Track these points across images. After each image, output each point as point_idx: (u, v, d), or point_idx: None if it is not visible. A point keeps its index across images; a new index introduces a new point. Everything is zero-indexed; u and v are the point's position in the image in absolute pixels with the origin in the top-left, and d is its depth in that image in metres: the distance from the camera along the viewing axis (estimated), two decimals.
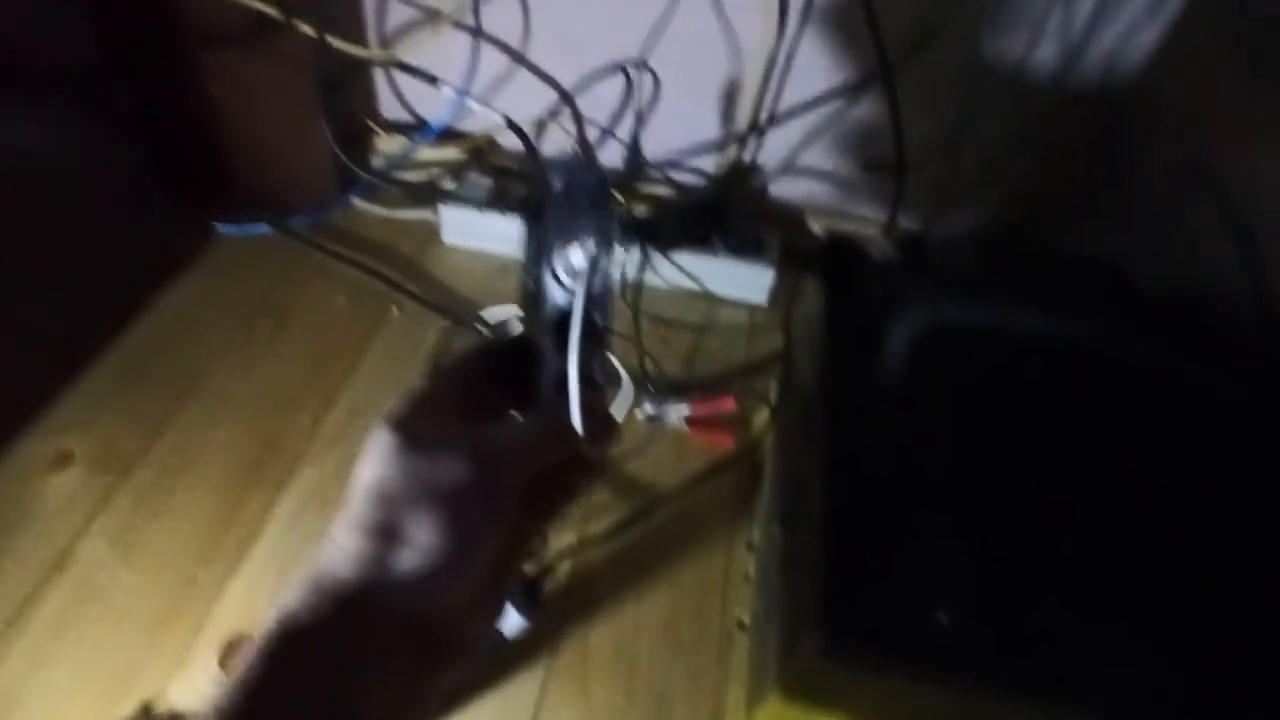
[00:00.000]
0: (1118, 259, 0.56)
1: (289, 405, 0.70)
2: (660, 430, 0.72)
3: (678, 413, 0.72)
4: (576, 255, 0.30)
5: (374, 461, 0.26)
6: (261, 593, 0.58)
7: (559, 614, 0.60)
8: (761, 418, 0.73)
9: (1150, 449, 0.44)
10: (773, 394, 0.73)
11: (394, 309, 0.80)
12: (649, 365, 0.76)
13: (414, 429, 0.27)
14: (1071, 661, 0.36)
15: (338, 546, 0.26)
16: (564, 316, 0.31)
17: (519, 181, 0.90)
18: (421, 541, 0.25)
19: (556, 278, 0.31)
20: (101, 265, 0.70)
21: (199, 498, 0.63)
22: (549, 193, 0.30)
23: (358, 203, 0.89)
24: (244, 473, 0.65)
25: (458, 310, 0.80)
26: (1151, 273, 0.54)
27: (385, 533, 0.25)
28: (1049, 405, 0.44)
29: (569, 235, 0.30)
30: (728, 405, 0.72)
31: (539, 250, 0.31)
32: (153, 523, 0.61)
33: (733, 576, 0.64)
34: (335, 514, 0.26)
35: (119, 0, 0.68)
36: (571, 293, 0.30)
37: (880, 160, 0.78)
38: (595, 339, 0.31)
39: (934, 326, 0.42)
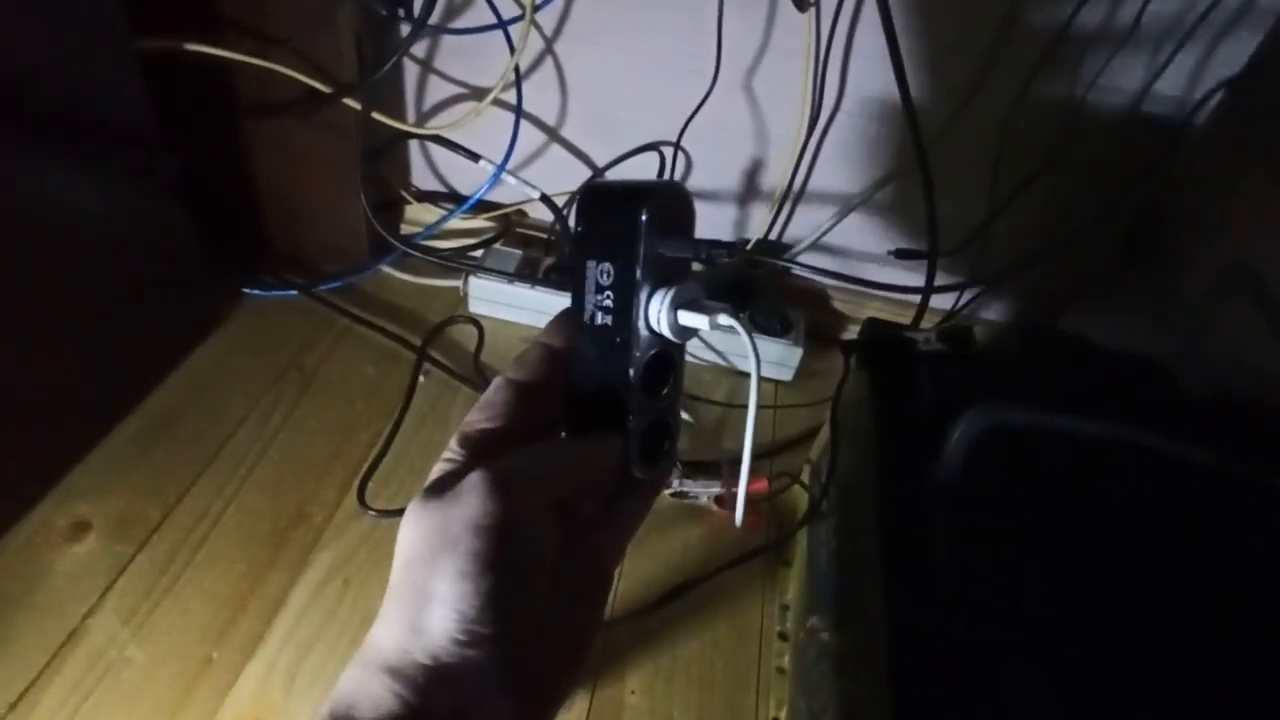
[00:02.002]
0: (1154, 355, 0.56)
1: (313, 475, 0.69)
2: (689, 509, 0.71)
3: (708, 492, 0.71)
4: (690, 315, 0.27)
5: (403, 524, 0.26)
6: (280, 674, 0.56)
7: (587, 707, 0.57)
8: (791, 499, 0.72)
9: (1220, 555, 0.43)
10: (804, 474, 0.72)
11: (421, 377, 0.80)
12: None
13: (437, 481, 0.26)
14: None
15: (380, 619, 0.25)
16: (654, 361, 0.29)
17: (545, 252, 0.91)
18: (445, 591, 0.24)
19: (647, 322, 0.28)
20: (130, 326, 0.70)
21: (218, 571, 0.61)
22: (629, 216, 0.27)
23: (387, 269, 0.90)
24: (265, 545, 0.63)
25: (484, 380, 0.80)
26: (1191, 372, 0.54)
27: (416, 595, 0.24)
28: (1110, 510, 0.43)
29: (671, 283, 0.27)
30: (759, 486, 0.71)
31: (624, 287, 0.27)
32: (169, 597, 0.59)
33: (766, 668, 0.62)
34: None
35: (179, 67, 0.69)
36: (662, 339, 0.28)
37: (911, 250, 0.79)
38: (677, 385, 0.31)
39: (993, 429, 0.42)
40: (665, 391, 0.31)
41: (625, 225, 0.27)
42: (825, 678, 0.47)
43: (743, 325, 0.29)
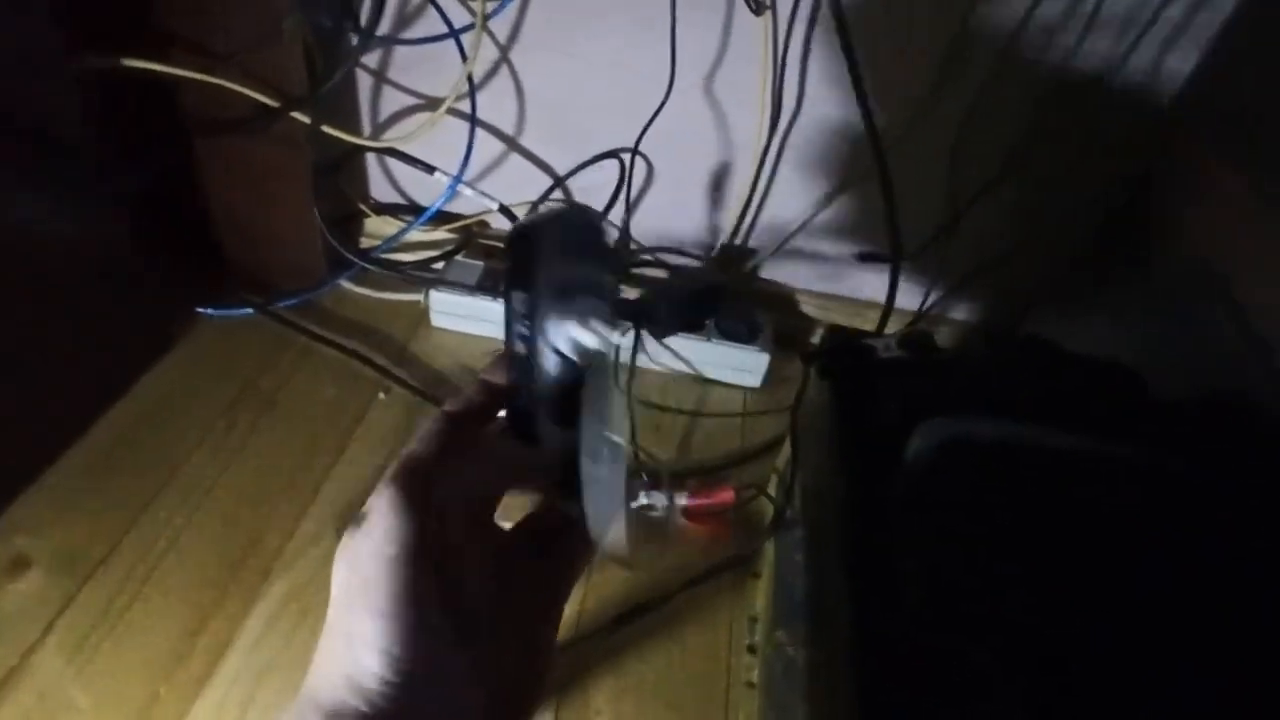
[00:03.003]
0: (1120, 359, 0.56)
1: (268, 500, 0.67)
2: (655, 521, 0.70)
3: (674, 503, 0.70)
4: (582, 332, 0.28)
5: (334, 560, 0.25)
6: (233, 708, 0.54)
7: None
8: (759, 510, 0.71)
9: (1185, 562, 0.42)
10: (771, 485, 0.71)
11: (381, 395, 0.78)
12: (642, 453, 0.74)
13: (359, 512, 0.25)
14: None
15: (315, 662, 0.24)
16: (564, 390, 0.28)
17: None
18: (368, 632, 0.23)
19: (555, 349, 0.28)
20: (77, 351, 0.68)
21: (167, 605, 0.59)
22: (537, 246, 0.28)
23: (346, 285, 0.88)
24: (217, 576, 0.61)
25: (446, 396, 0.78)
26: (1158, 374, 0.54)
27: (343, 637, 0.23)
28: (1078, 516, 0.42)
29: (568, 303, 0.28)
30: (725, 497, 0.70)
31: (531, 313, 0.28)
32: (114, 634, 0.57)
33: (734, 683, 0.60)
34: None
35: (123, 88, 0.67)
36: (571, 364, 0.28)
37: (874, 253, 0.78)
38: (597, 411, 0.29)
39: (957, 439, 0.41)
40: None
41: (527, 253, 0.27)
42: (793, 692, 0.46)
43: (636, 341, 0.29)
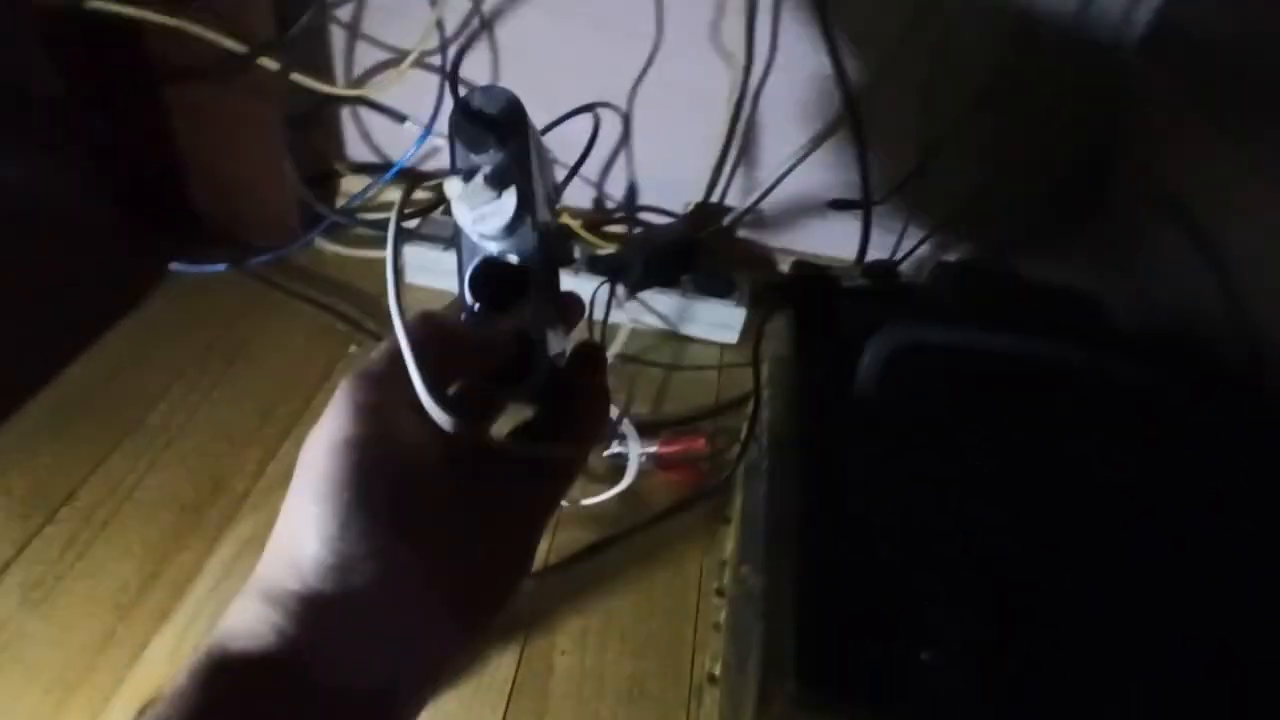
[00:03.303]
0: (1079, 287, 0.55)
1: (236, 445, 0.66)
2: (626, 469, 0.69)
3: (645, 451, 0.70)
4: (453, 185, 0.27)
5: None
6: (189, 646, 0.53)
7: (515, 666, 0.55)
8: (733, 458, 0.70)
9: (1136, 472, 0.42)
10: (742, 431, 0.70)
11: (352, 347, 0.78)
12: (616, 404, 0.73)
13: None
14: (1063, 705, 0.33)
15: (266, 548, 0.24)
16: (487, 268, 0.29)
17: None
18: (311, 514, 0.23)
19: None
20: (49, 298, 0.67)
21: (129, 544, 0.58)
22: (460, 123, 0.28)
23: (321, 242, 0.87)
24: (181, 517, 0.61)
25: None
26: (1127, 308, 0.54)
27: (290, 520, 0.23)
28: (1028, 429, 0.42)
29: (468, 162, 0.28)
30: (697, 445, 0.70)
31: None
32: (73, 571, 0.56)
33: (702, 625, 0.60)
34: None
35: (87, 35, 0.67)
36: (497, 245, 0.29)
37: (847, 200, 0.78)
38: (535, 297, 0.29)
39: (907, 347, 0.40)
40: (521, 303, 0.29)
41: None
42: (748, 622, 0.46)
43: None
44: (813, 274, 0.54)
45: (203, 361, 0.73)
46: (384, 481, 0.23)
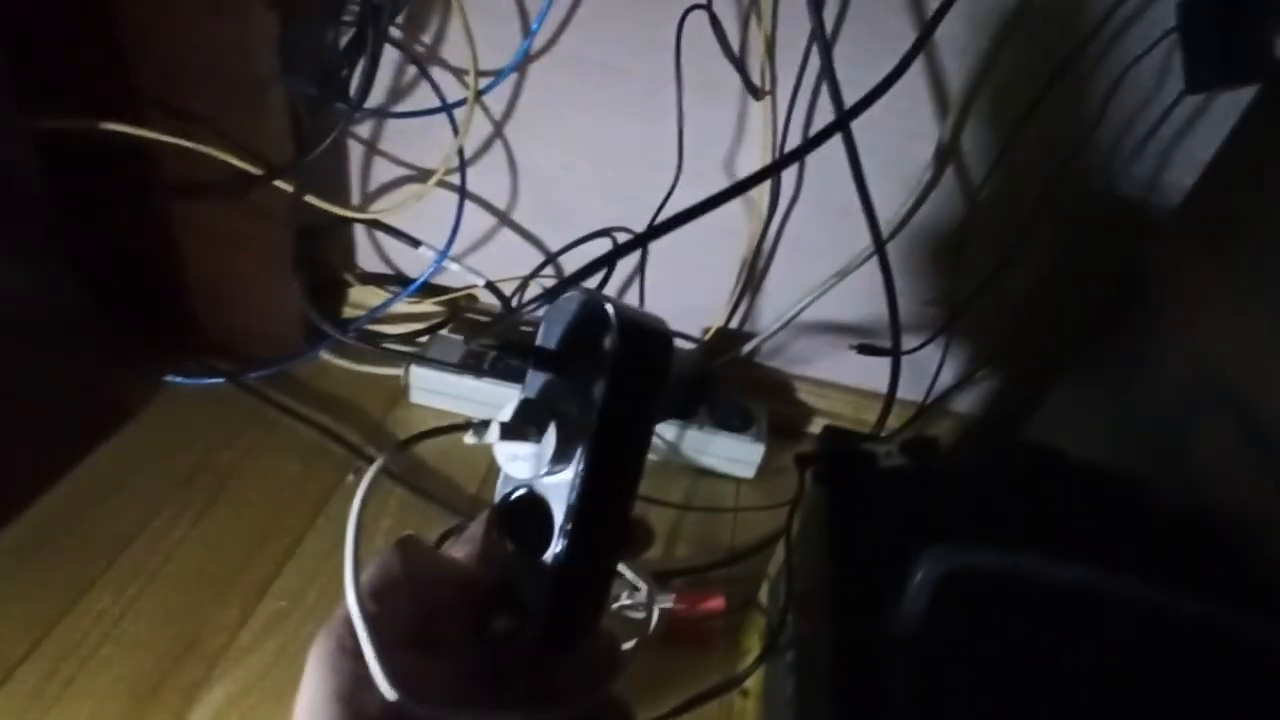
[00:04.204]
0: (1126, 469, 0.52)
1: (216, 592, 0.62)
2: (638, 626, 0.64)
3: (661, 607, 0.64)
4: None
5: None
6: None
7: None
8: (749, 623, 0.65)
9: (1207, 713, 0.37)
10: (762, 592, 0.66)
11: (350, 475, 0.73)
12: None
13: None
14: None
15: None
16: (519, 503, 0.27)
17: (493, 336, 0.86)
18: None
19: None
20: (19, 420, 0.64)
21: (89, 712, 0.53)
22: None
23: (325, 356, 0.84)
24: (150, 679, 0.56)
25: (419, 480, 0.73)
26: (1160, 479, 0.50)
27: None
28: (1090, 665, 0.38)
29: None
30: (715, 604, 0.65)
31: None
32: None
33: None
34: None
35: (93, 145, 0.65)
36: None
37: (873, 346, 0.75)
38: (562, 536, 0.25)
39: (958, 570, 0.37)
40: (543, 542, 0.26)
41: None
42: None
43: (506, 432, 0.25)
44: (844, 448, 0.50)
45: (185, 492, 0.69)
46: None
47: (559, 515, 0.25)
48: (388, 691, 0.22)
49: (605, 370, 0.24)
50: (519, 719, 0.25)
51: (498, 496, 0.29)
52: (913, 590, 0.37)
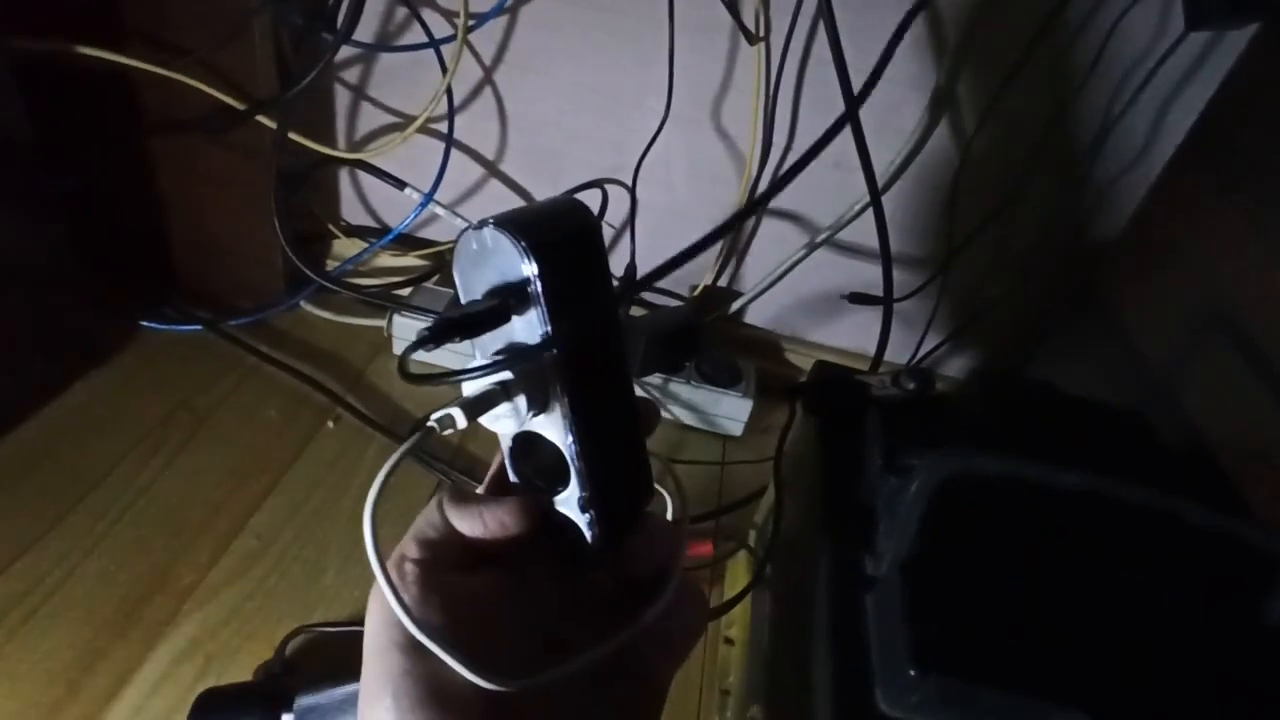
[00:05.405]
0: (1128, 404, 0.51)
1: (188, 529, 0.60)
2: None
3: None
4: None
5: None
6: None
7: None
8: (738, 568, 0.65)
9: (1202, 620, 0.37)
10: (750, 538, 0.65)
11: (329, 423, 0.72)
12: None
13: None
14: None
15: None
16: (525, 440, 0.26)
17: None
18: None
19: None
20: (6, 349, 0.62)
21: (56, 643, 0.51)
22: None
23: (306, 306, 0.83)
24: (118, 612, 0.54)
25: (400, 428, 0.72)
26: (1162, 416, 0.50)
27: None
28: (1086, 580, 0.37)
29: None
30: (704, 550, 0.64)
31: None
32: None
33: None
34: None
35: (70, 80, 0.63)
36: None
37: (865, 295, 0.74)
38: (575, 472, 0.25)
39: (956, 478, 0.36)
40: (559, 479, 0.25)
41: None
42: None
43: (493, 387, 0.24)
44: (837, 378, 0.49)
45: (162, 431, 0.67)
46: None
47: (565, 437, 0.24)
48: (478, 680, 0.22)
49: (535, 296, 0.22)
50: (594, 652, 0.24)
51: (503, 445, 0.27)
52: (909, 498, 0.36)
